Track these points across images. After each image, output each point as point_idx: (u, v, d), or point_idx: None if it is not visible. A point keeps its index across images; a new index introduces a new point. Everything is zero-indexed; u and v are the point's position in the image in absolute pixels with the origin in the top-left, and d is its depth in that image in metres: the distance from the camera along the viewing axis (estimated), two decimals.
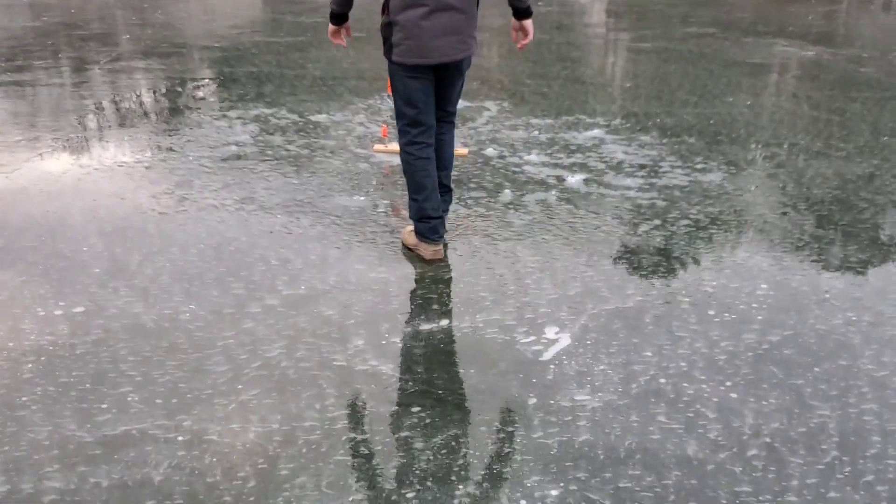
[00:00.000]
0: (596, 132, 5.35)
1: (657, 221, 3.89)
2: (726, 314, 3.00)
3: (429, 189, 3.40)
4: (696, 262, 3.46)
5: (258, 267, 3.37)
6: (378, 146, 4.96)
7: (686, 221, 3.89)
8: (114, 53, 8.04)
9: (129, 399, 2.46)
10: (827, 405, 2.47)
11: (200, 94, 6.44)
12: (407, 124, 3.36)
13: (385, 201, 4.11)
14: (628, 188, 4.33)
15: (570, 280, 3.27)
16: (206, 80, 6.93)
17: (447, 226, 3.75)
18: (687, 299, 3.11)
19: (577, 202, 4.12)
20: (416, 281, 3.30)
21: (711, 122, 5.72)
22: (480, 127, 5.46)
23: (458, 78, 3.39)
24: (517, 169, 4.61)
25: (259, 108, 5.92)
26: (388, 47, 3.26)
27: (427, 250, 3.46)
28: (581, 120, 5.66)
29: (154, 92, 6.48)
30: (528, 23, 3.36)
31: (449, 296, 3.16)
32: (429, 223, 3.43)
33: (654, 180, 4.45)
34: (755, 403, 2.47)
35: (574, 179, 4.42)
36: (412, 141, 3.37)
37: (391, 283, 3.27)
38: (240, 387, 2.53)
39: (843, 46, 8.96)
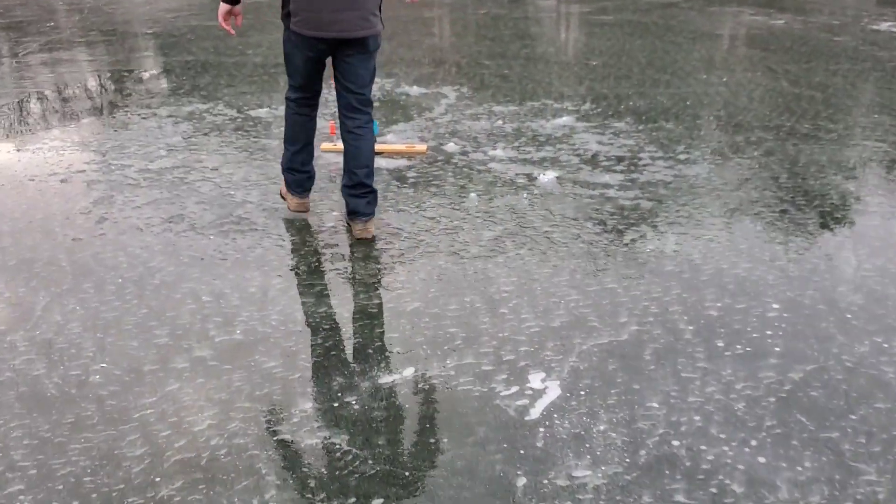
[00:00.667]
0: (565, 119, 4.89)
1: (644, 227, 3.44)
2: (738, 346, 2.57)
3: (302, 142, 3.45)
4: (695, 276, 3.03)
5: (187, 305, 2.85)
6: (326, 144, 4.44)
7: (678, 227, 3.45)
8: (34, 44, 7.34)
9: None
10: (872, 467, 2.06)
11: (128, 89, 5.83)
12: (295, 87, 3.38)
13: (335, 213, 3.61)
14: (607, 186, 3.88)
15: (553, 307, 2.81)
16: (136, 73, 6.31)
17: (407, 237, 3.28)
18: (690, 327, 2.68)
19: (552, 206, 3.65)
20: (373, 315, 2.82)
21: (688, 102, 5.29)
22: (438, 118, 4.96)
23: (364, 57, 3.24)
24: (482, 167, 4.13)
25: (193, 103, 5.34)
26: (286, 14, 3.19)
27: (292, 202, 3.54)
28: (548, 105, 5.19)
29: (76, 88, 5.84)
30: None
31: (412, 334, 2.68)
32: (293, 175, 3.49)
33: (634, 175, 4.01)
34: (788, 470, 2.04)
35: (546, 178, 3.95)
36: (297, 98, 3.38)
37: (344, 321, 2.78)
38: (158, 479, 2.04)
39: (812, 13, 8.60)
